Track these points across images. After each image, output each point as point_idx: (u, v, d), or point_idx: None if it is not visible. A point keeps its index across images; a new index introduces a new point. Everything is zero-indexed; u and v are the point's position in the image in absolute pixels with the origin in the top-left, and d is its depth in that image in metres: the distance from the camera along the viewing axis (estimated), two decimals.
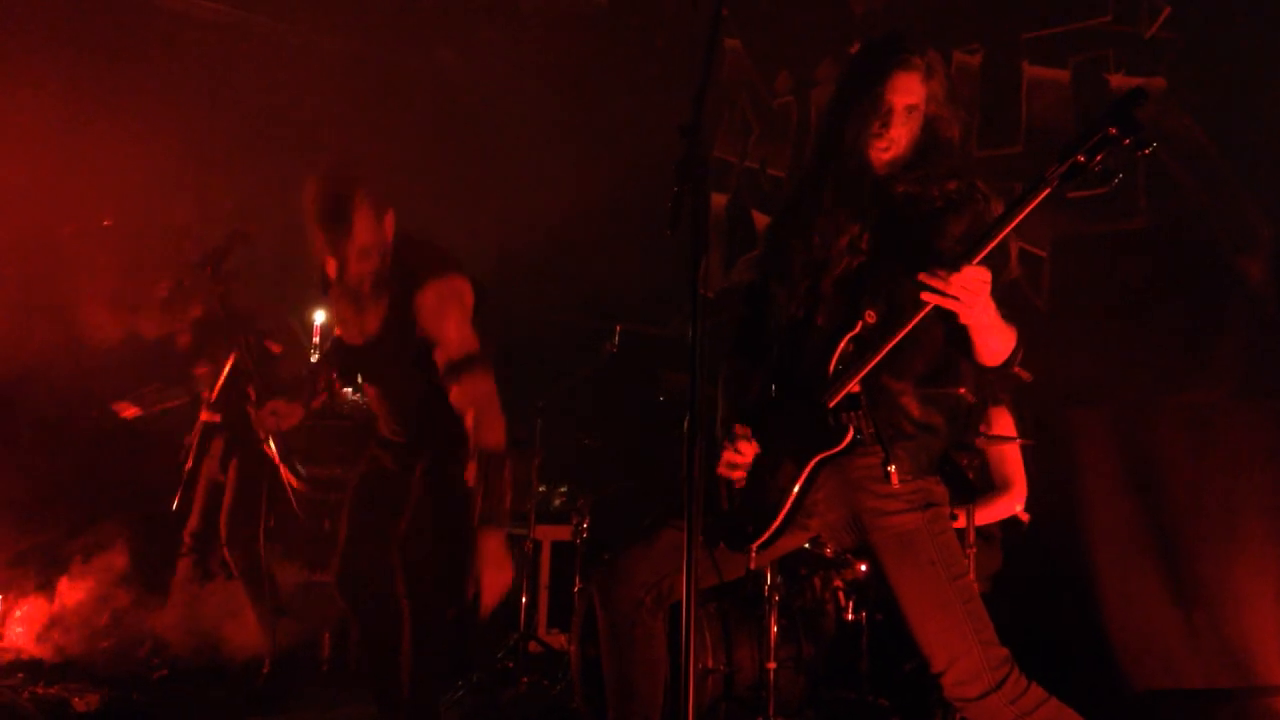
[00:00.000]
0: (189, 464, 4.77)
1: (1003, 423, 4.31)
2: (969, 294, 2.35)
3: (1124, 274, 4.78)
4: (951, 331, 2.51)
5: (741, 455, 2.77)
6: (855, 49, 2.85)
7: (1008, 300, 2.58)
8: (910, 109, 2.67)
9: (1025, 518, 4.33)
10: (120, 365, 5.05)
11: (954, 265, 2.34)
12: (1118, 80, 4.80)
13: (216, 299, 3.93)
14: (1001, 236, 2.35)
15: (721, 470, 2.80)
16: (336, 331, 3.76)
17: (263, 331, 4.60)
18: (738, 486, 2.80)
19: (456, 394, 3.45)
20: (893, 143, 2.69)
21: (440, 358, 3.47)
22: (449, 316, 3.48)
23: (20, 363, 5.19)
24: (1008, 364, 2.55)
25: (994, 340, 2.50)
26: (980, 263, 2.36)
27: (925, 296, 2.39)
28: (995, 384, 4.12)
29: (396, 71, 6.77)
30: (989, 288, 2.38)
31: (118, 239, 4.77)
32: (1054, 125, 5.02)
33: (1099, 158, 2.26)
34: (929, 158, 2.71)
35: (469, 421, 3.43)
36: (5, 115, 5.28)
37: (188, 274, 4.30)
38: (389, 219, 3.49)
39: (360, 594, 3.69)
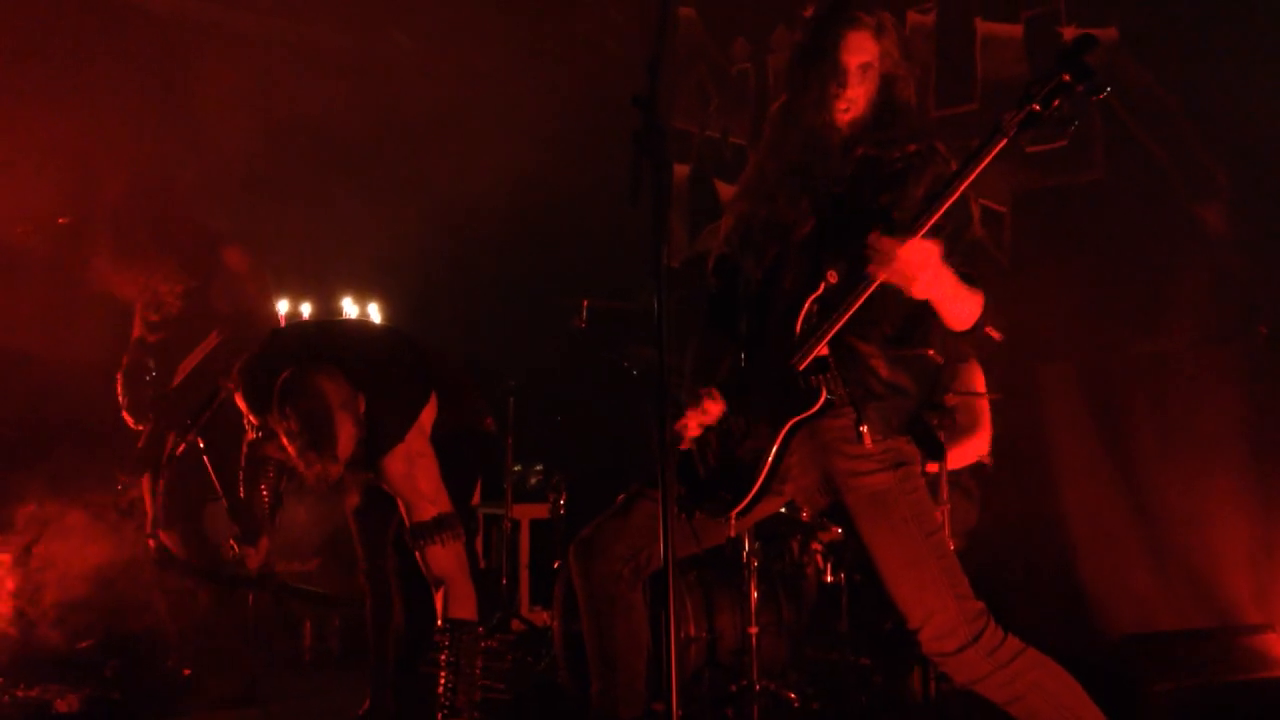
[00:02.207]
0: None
1: (974, 378, 4.35)
2: (913, 268, 2.38)
3: (1083, 226, 4.82)
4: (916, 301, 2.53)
5: (706, 414, 2.78)
6: (808, 13, 2.85)
7: (972, 259, 2.60)
8: (864, 67, 2.69)
9: (989, 463, 4.37)
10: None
11: (899, 239, 2.37)
12: (1070, 33, 4.81)
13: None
14: (954, 198, 2.37)
15: (689, 432, 2.81)
16: None
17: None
18: (686, 446, 2.82)
19: (427, 561, 3.37)
20: (851, 103, 2.70)
21: (410, 516, 3.38)
22: (419, 477, 3.40)
23: None
24: (976, 328, 2.57)
25: (957, 308, 2.53)
26: (931, 232, 2.38)
27: (871, 270, 2.43)
28: (965, 345, 4.15)
29: (349, 54, 6.71)
30: (936, 260, 2.40)
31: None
32: (1008, 81, 5.03)
33: (1055, 104, 2.28)
34: (888, 118, 2.73)
35: (438, 597, 3.37)
36: None
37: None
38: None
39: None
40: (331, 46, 6.71)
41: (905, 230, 2.39)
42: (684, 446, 2.85)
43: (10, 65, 5.34)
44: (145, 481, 4.62)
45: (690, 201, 6.61)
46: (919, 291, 2.44)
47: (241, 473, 3.66)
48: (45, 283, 5.14)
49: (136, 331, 4.77)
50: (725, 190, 6.47)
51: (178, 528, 4.66)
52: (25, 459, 5.27)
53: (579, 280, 5.80)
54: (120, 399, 4.74)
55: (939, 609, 2.56)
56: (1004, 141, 2.33)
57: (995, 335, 3.21)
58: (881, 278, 2.43)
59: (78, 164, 5.02)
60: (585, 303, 5.29)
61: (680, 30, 6.53)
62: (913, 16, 5.43)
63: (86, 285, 4.69)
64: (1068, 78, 2.26)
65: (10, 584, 5.02)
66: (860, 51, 2.69)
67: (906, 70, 2.78)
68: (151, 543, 4.56)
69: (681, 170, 6.64)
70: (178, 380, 4.68)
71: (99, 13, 5.94)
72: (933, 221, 2.38)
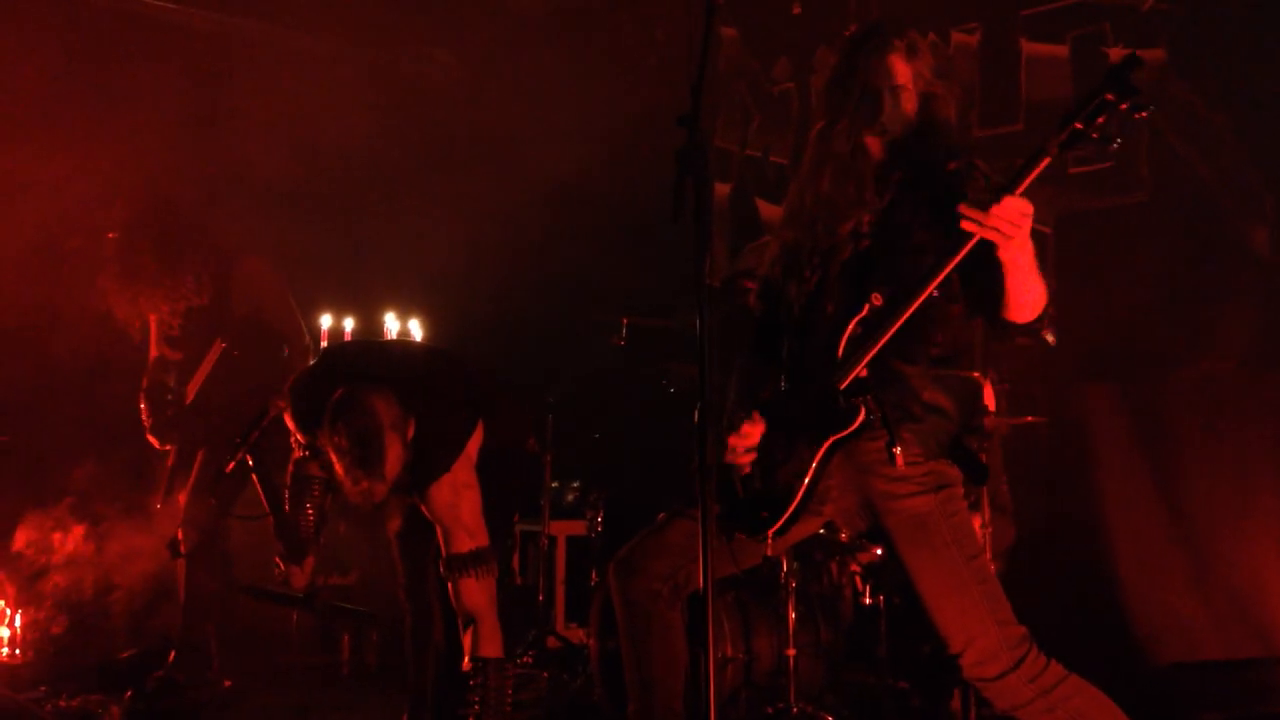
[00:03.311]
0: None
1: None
2: (1009, 225, 2.30)
3: (1129, 248, 4.77)
4: (981, 290, 2.48)
5: (745, 437, 2.77)
6: (847, 35, 2.86)
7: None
8: (896, 90, 2.69)
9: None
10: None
11: (995, 196, 2.31)
12: (1116, 54, 4.78)
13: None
14: (1032, 177, 2.31)
15: (728, 457, 2.80)
16: None
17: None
18: (746, 472, 2.81)
19: (459, 593, 3.38)
20: (888, 127, 2.70)
21: (447, 547, 3.39)
22: (463, 507, 3.41)
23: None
24: (1039, 320, 2.50)
25: (1030, 286, 2.45)
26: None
27: (966, 226, 2.34)
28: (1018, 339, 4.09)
29: (393, 73, 6.78)
30: (1030, 221, 2.34)
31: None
32: (1053, 102, 5.00)
33: (1098, 122, 2.26)
34: (928, 137, 2.72)
35: (466, 635, 3.38)
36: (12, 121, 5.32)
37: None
38: None
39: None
40: (376, 64, 6.77)
41: (999, 189, 2.33)
42: (727, 459, 2.83)
43: (56, 83, 5.44)
44: (183, 499, 4.64)
45: (731, 220, 6.61)
46: (1012, 249, 2.35)
47: (287, 491, 3.68)
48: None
49: (154, 352, 4.80)
50: (766, 209, 6.46)
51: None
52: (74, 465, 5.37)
53: (619, 297, 5.82)
54: (144, 420, 4.76)
55: (980, 634, 2.54)
56: (1046, 160, 2.31)
57: (1050, 338, 3.14)
58: (974, 233, 2.35)
59: (122, 181, 5.09)
60: (625, 320, 5.30)
61: (723, 49, 6.54)
62: (957, 36, 5.41)
63: (94, 305, 4.74)
64: (1111, 96, 2.24)
65: (51, 593, 5.09)
66: (893, 75, 2.69)
67: (943, 88, 2.77)
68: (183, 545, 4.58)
69: (723, 189, 6.65)
70: (190, 398, 4.70)
71: (144, 30, 6.03)
72: (1025, 184, 2.31)
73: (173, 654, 4.55)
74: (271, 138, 5.64)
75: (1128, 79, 2.24)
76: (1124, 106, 2.24)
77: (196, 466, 4.64)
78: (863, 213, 2.71)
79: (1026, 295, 2.46)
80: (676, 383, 5.30)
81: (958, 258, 2.43)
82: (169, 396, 4.72)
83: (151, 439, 4.77)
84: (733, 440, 2.79)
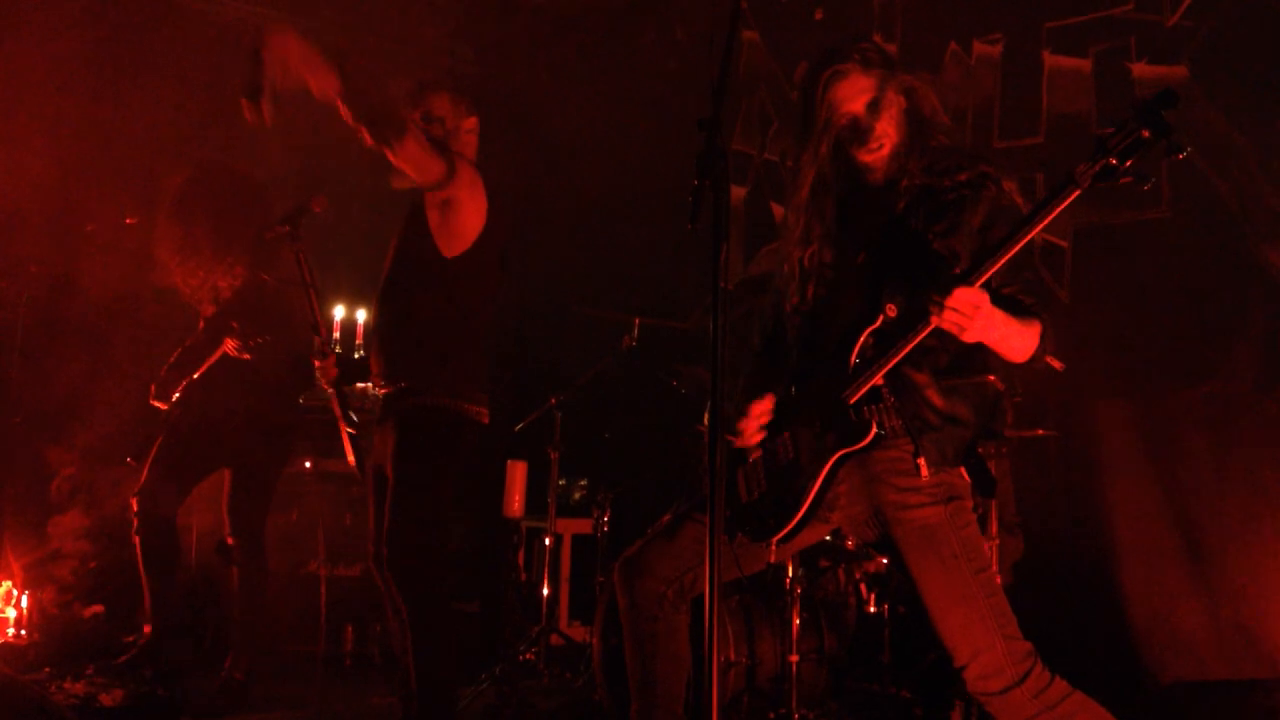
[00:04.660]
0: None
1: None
2: (961, 318, 2.34)
3: (1146, 264, 4.75)
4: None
5: (755, 418, 2.79)
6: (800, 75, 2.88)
7: (1031, 287, 2.57)
8: (871, 105, 2.69)
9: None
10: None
11: (945, 289, 2.34)
12: (1139, 69, 4.76)
13: (297, 256, 3.93)
14: (1018, 247, 2.33)
15: (737, 441, 2.82)
16: None
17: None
18: (755, 455, 2.81)
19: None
20: (880, 140, 2.70)
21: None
22: None
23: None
24: (1034, 359, 2.53)
25: (1013, 345, 2.49)
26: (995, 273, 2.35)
27: (932, 317, 2.39)
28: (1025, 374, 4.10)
29: (416, 69, 6.78)
30: (986, 308, 2.36)
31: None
32: (1075, 115, 4.98)
33: (1130, 162, 2.22)
34: (925, 130, 2.73)
35: None
36: (31, 108, 5.33)
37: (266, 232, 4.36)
38: None
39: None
40: (395, 60, 6.78)
41: (956, 280, 2.35)
42: (739, 443, 2.83)
43: (83, 70, 5.45)
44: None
45: (747, 223, 6.61)
46: (969, 338, 2.40)
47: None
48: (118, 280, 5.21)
49: (202, 321, 4.80)
50: (782, 213, 6.46)
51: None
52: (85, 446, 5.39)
53: (630, 297, 5.82)
54: (156, 381, 4.72)
55: (986, 647, 2.53)
56: (1076, 193, 2.29)
57: (1056, 365, 3.15)
58: (934, 324, 2.41)
59: (147, 167, 5.11)
60: (637, 321, 5.30)
61: (744, 53, 6.54)
62: (979, 47, 5.39)
63: (153, 280, 4.72)
64: (1147, 134, 2.19)
65: (59, 575, 5.11)
66: (860, 93, 2.69)
67: (914, 78, 2.77)
68: (232, 540, 4.61)
69: (739, 192, 6.64)
70: (198, 373, 4.64)
71: (170, 20, 6.04)
72: (989, 274, 2.35)
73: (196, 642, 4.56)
74: (287, 127, 5.64)
75: (1163, 116, 2.19)
76: (1160, 145, 2.20)
77: (227, 474, 4.65)
78: (871, 222, 2.72)
79: (1010, 350, 2.51)
80: (687, 384, 5.30)
81: (915, 341, 2.48)
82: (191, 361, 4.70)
83: (152, 388, 4.73)
84: (742, 424, 2.79)
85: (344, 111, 3.16)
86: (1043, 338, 2.52)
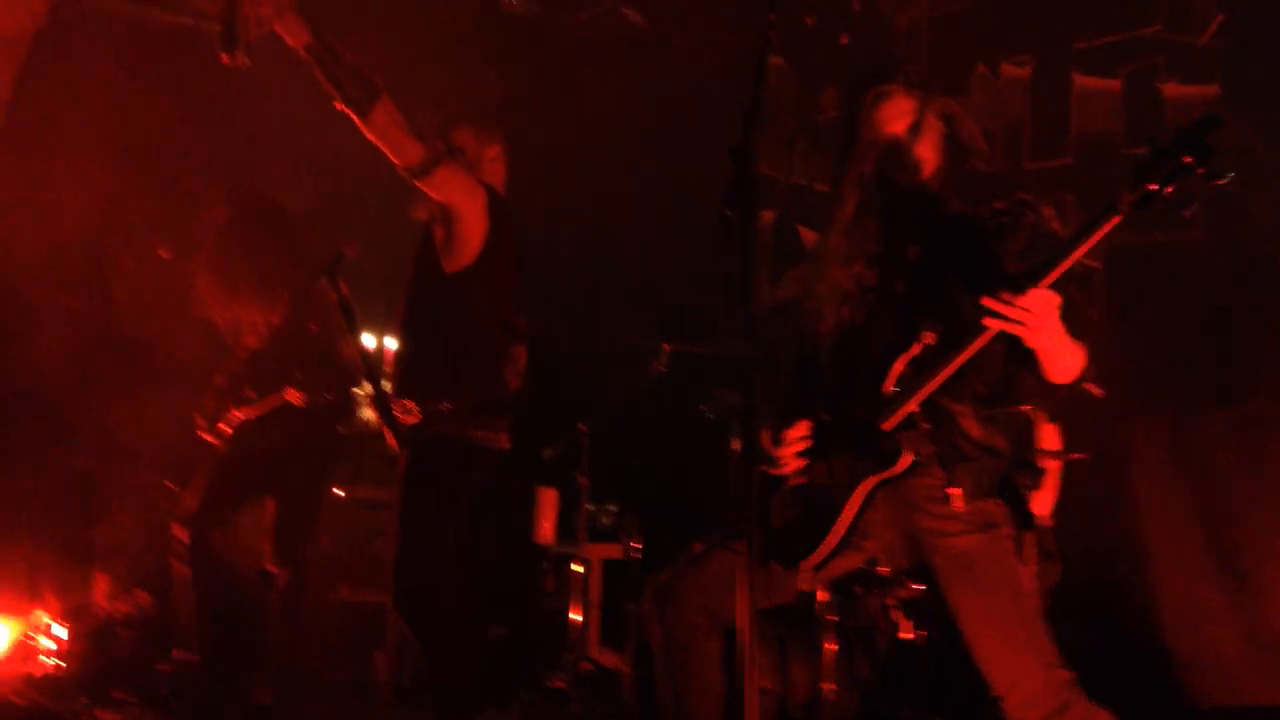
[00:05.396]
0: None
1: (1050, 437, 4.26)
2: (1035, 318, 2.31)
3: (1179, 285, 4.71)
4: (1016, 351, 2.47)
5: (791, 444, 2.77)
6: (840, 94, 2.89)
7: (1070, 313, 2.54)
8: (913, 128, 2.68)
9: (1049, 523, 4.27)
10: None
11: (1019, 288, 2.30)
12: (1170, 89, 4.74)
13: (341, 304, 3.95)
14: (1071, 261, 2.31)
15: (774, 469, 2.79)
16: None
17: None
18: (791, 483, 2.79)
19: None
20: (920, 163, 2.69)
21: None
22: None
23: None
24: (1078, 381, 2.51)
25: (1064, 360, 2.46)
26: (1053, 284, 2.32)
27: (988, 322, 2.35)
28: (1060, 398, 4.07)
29: (447, 95, 6.81)
30: (1058, 311, 2.33)
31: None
32: (1105, 136, 4.96)
33: (1171, 188, 2.20)
34: (962, 158, 2.73)
35: None
36: (66, 140, 5.40)
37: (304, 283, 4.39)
38: None
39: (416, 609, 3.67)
40: (430, 87, 6.82)
41: (1025, 280, 2.32)
42: (775, 471, 2.81)
43: (119, 108, 5.51)
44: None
45: (774, 247, 6.60)
46: (1035, 341, 2.36)
47: None
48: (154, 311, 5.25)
49: (242, 353, 4.83)
50: (809, 236, 6.44)
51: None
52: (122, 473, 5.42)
53: (657, 323, 5.82)
54: (201, 411, 4.76)
55: (1025, 677, 2.50)
56: (1117, 219, 2.27)
57: (1096, 391, 3.13)
58: (995, 329, 2.36)
59: (184, 198, 5.16)
60: (665, 347, 5.29)
61: (770, 78, 6.54)
62: (1007, 69, 5.38)
63: (190, 312, 4.76)
64: (1189, 160, 2.17)
65: (98, 605, 5.13)
66: (903, 115, 2.69)
67: (954, 105, 2.76)
68: (273, 569, 4.63)
69: (766, 216, 6.64)
70: (256, 414, 4.69)
71: (205, 59, 6.11)
72: (1054, 276, 2.31)
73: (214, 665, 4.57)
74: (311, 159, 5.68)
75: (1206, 142, 2.17)
76: (1201, 171, 2.18)
77: (269, 500, 4.67)
78: (912, 248, 2.70)
79: (1061, 366, 2.47)
80: (716, 410, 5.28)
81: (976, 346, 2.42)
82: (233, 396, 4.72)
83: (199, 422, 4.76)
84: (778, 451, 2.77)
85: (316, 72, 3.20)
86: (1087, 361, 2.50)
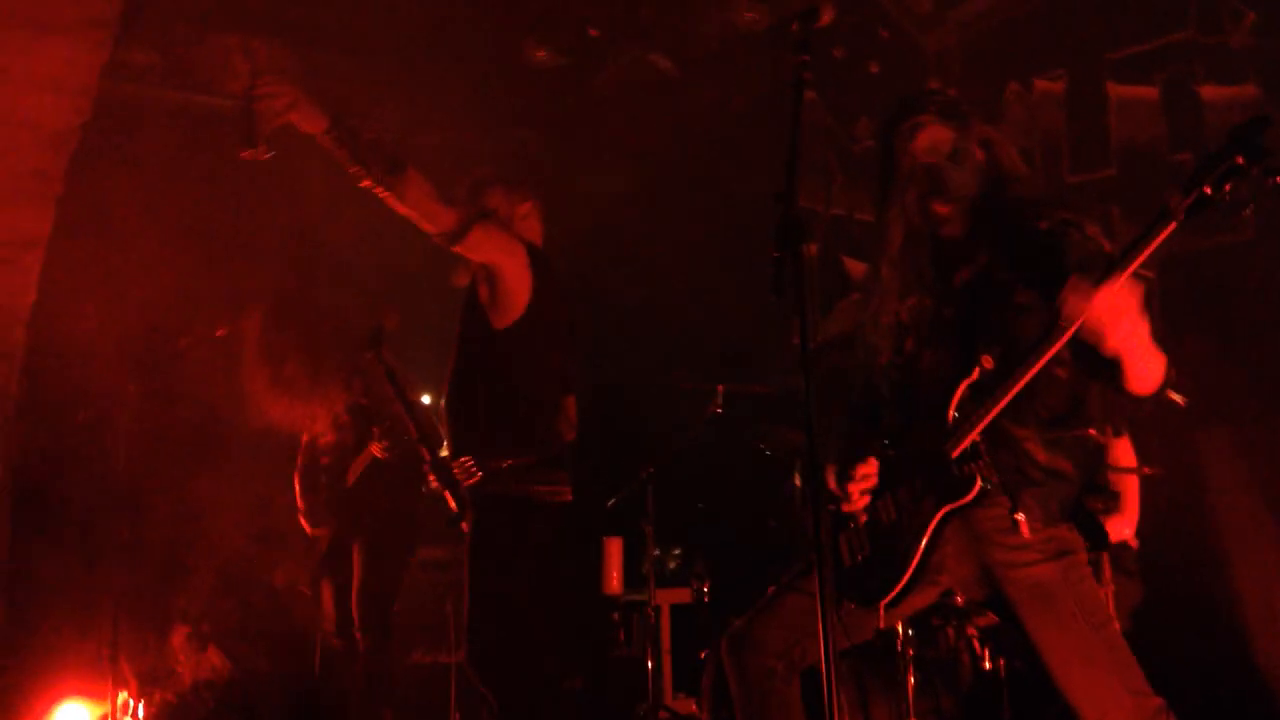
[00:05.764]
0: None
1: (1122, 452, 4.20)
2: (1114, 315, 2.26)
3: (1235, 288, 4.64)
4: (1096, 364, 2.41)
5: (862, 480, 2.74)
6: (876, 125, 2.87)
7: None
8: (952, 156, 2.68)
9: (1134, 544, 4.19)
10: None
11: (1093, 287, 2.26)
12: (1208, 92, 4.69)
13: (389, 375, 4.00)
14: (1138, 262, 2.27)
15: (845, 506, 2.77)
16: None
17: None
18: (863, 519, 2.76)
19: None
20: (960, 190, 2.68)
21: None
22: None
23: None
24: (1162, 389, 2.44)
25: (1147, 364, 2.40)
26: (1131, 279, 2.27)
27: (1064, 321, 2.30)
28: (1124, 414, 4.00)
29: (480, 156, 6.90)
30: (1135, 307, 2.28)
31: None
32: (1146, 144, 4.91)
33: (1226, 189, 2.18)
34: (1005, 187, 2.70)
35: None
36: (120, 228, 5.52)
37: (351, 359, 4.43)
38: None
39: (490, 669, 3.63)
40: (461, 148, 6.91)
41: (1097, 279, 2.26)
42: (846, 508, 2.79)
43: (169, 183, 5.64)
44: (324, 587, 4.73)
45: (821, 281, 6.59)
46: (1115, 341, 2.30)
47: None
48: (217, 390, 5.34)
49: (305, 436, 4.89)
50: (854, 267, 6.43)
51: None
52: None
53: (711, 365, 5.81)
54: (298, 503, 4.86)
55: (1114, 707, 2.45)
56: (1173, 225, 2.24)
57: (1179, 400, 3.05)
58: (1074, 328, 2.31)
59: (238, 274, 5.25)
60: (720, 388, 5.29)
61: (804, 114, 6.55)
62: (1041, 84, 5.36)
63: (247, 423, 4.84)
64: (1241, 160, 2.16)
65: (177, 685, 5.19)
66: (941, 144, 2.68)
67: (992, 129, 2.75)
68: (336, 643, 4.67)
69: (810, 249, 6.63)
70: (351, 480, 4.75)
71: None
72: (1125, 275, 2.26)
73: None
74: (359, 226, 5.77)
75: (1257, 141, 2.15)
76: (1255, 170, 2.16)
77: (358, 564, 4.71)
78: (962, 275, 2.68)
79: (1142, 371, 2.40)
80: (774, 446, 5.26)
81: (1054, 348, 2.37)
82: (323, 479, 4.80)
83: (303, 521, 4.85)
84: (850, 486, 2.75)
85: (338, 155, 3.20)
86: (1169, 368, 2.44)
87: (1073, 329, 2.32)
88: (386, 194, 3.28)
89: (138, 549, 5.39)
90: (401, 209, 3.34)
